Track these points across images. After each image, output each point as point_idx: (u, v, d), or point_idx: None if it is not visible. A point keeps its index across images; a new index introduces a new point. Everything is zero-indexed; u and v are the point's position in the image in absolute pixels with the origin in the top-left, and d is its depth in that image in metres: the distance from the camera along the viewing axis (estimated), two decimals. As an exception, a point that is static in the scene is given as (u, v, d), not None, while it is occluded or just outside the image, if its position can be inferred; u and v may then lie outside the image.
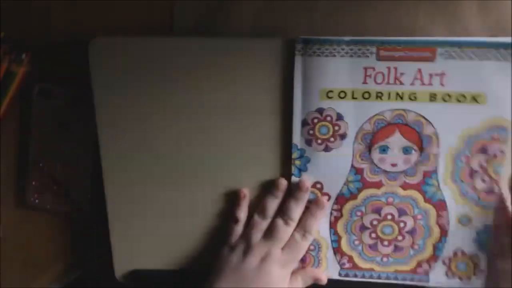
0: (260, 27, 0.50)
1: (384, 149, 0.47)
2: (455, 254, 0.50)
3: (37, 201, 0.56)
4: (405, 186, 0.48)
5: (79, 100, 0.53)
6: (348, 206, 0.50)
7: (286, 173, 0.50)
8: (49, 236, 0.58)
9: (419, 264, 0.51)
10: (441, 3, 0.47)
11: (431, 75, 0.44)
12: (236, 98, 0.48)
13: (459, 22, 0.48)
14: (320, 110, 0.46)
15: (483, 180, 0.46)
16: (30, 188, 0.56)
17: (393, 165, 0.47)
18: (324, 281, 0.51)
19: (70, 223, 0.58)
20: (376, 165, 0.48)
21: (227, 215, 0.51)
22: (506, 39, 0.42)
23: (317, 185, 0.49)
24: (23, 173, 0.56)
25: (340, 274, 0.52)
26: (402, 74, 0.44)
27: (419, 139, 0.46)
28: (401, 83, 0.44)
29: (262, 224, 0.49)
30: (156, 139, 0.49)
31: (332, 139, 0.47)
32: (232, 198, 0.51)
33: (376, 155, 0.47)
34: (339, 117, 0.46)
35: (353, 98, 0.46)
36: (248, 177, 0.50)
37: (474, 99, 0.44)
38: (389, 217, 0.49)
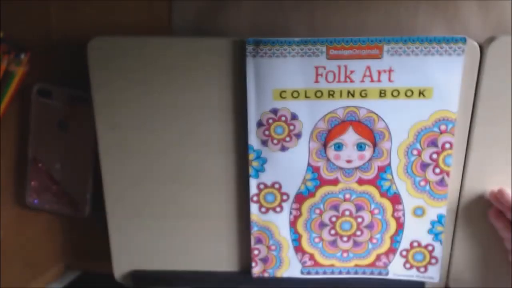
0: (260, 27, 0.50)
1: (339, 146, 0.48)
2: (411, 245, 0.51)
3: (36, 201, 0.56)
4: (360, 182, 0.49)
5: (79, 100, 0.52)
6: (307, 204, 0.50)
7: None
8: (49, 236, 0.58)
9: (378, 258, 0.52)
10: (441, 3, 0.48)
11: (379, 72, 0.45)
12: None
13: (459, 22, 0.48)
14: (274, 111, 0.47)
15: (435, 172, 0.48)
16: (30, 188, 0.55)
17: (348, 161, 0.48)
18: None
19: (70, 223, 0.58)
20: (332, 163, 0.48)
21: (225, 215, 0.51)
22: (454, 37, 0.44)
23: (275, 185, 0.50)
24: (22, 173, 0.55)
25: (302, 272, 0.53)
26: (352, 72, 0.45)
27: (372, 135, 0.47)
28: (352, 81, 0.45)
29: None
30: (155, 138, 0.49)
31: (287, 138, 0.48)
32: (225, 199, 0.51)
33: (331, 152, 0.48)
34: (294, 116, 0.47)
35: (306, 97, 0.46)
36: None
37: (421, 93, 0.45)
38: (347, 213, 0.50)
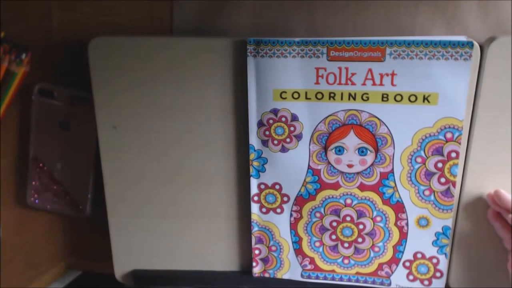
0: (260, 27, 0.50)
1: (339, 150, 0.47)
2: (415, 256, 0.49)
3: (37, 201, 0.56)
4: (362, 188, 0.48)
5: (80, 100, 0.53)
6: (307, 207, 0.49)
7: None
8: (50, 236, 0.59)
9: (380, 267, 0.50)
10: (441, 3, 0.47)
11: (381, 75, 0.43)
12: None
13: (459, 22, 0.47)
14: (274, 111, 0.46)
15: (440, 182, 0.46)
16: (30, 188, 0.56)
17: (350, 166, 0.47)
18: None
19: (70, 223, 0.58)
20: (333, 166, 0.47)
21: (226, 215, 0.52)
22: (456, 37, 0.42)
23: (276, 186, 0.49)
24: (23, 173, 0.56)
25: (302, 276, 0.52)
26: (353, 74, 0.44)
27: (374, 140, 0.46)
28: (353, 83, 0.44)
29: None
30: (156, 138, 0.50)
31: (288, 139, 0.47)
32: (226, 199, 0.51)
33: (332, 155, 0.47)
34: (294, 117, 0.46)
35: (307, 98, 0.45)
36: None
37: (426, 99, 0.43)
38: (348, 218, 0.49)
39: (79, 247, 0.60)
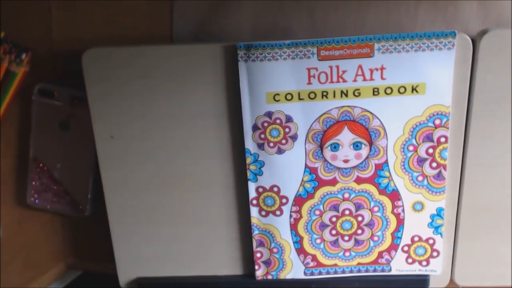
0: (260, 27, 0.50)
1: (335, 147, 0.48)
2: (412, 240, 0.51)
3: (37, 201, 0.56)
4: (359, 181, 0.49)
5: (80, 100, 0.52)
6: (306, 206, 0.50)
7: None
8: (50, 236, 0.59)
9: (380, 255, 0.52)
10: (441, 3, 0.48)
11: (371, 70, 0.45)
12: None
13: (459, 22, 0.48)
14: (269, 114, 0.47)
15: (432, 166, 0.48)
16: (30, 188, 0.56)
17: (345, 161, 0.48)
18: None
19: (70, 223, 0.58)
20: (329, 163, 0.48)
21: (226, 220, 0.52)
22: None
23: (274, 189, 0.50)
24: (23, 172, 0.55)
25: (305, 273, 0.53)
26: (344, 72, 0.45)
27: (368, 134, 0.47)
28: (344, 81, 0.45)
29: None
30: (154, 147, 0.49)
31: (283, 141, 0.48)
32: (225, 204, 0.51)
33: (328, 153, 0.48)
34: (288, 119, 0.47)
35: (300, 99, 0.46)
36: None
37: (414, 89, 0.45)
38: (347, 212, 0.50)
39: (79, 247, 0.59)
